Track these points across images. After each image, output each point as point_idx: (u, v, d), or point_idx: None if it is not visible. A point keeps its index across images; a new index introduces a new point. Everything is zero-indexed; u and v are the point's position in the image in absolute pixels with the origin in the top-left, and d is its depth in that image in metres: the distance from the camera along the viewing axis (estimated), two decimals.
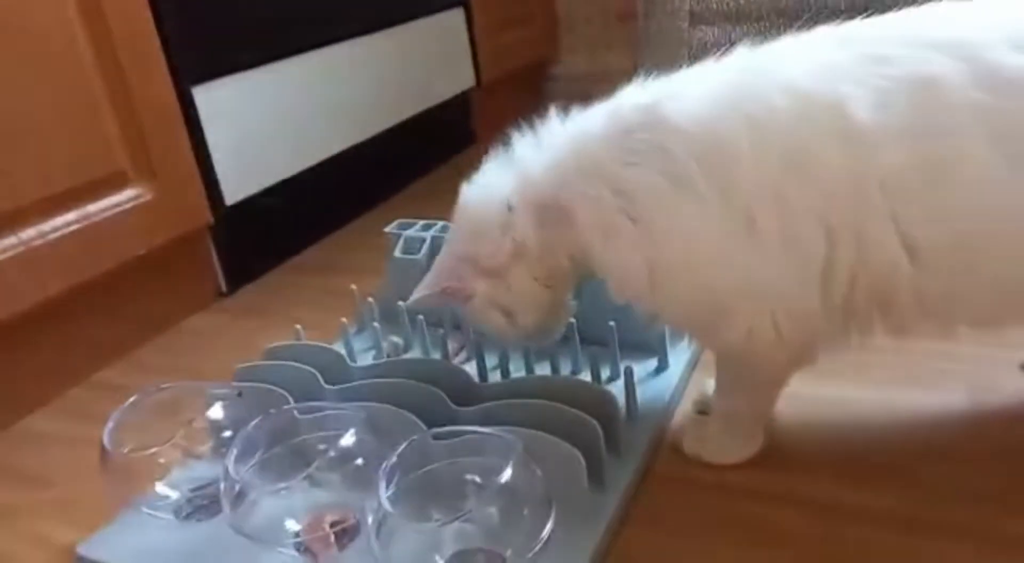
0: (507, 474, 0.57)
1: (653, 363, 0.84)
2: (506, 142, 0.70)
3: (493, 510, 0.58)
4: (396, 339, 0.95)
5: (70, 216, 0.97)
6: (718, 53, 0.65)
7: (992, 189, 0.56)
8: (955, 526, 0.62)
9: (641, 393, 0.77)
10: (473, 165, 0.72)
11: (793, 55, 0.61)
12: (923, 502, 0.65)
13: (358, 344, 0.95)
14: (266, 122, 1.27)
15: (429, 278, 0.72)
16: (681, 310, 0.65)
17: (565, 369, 0.84)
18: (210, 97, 1.15)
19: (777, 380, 0.68)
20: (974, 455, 0.69)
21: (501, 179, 0.69)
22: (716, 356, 0.70)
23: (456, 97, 1.76)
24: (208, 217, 1.16)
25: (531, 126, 0.68)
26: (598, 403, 0.70)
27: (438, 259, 0.72)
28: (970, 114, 0.55)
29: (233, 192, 1.20)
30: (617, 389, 0.76)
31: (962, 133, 0.55)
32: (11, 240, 0.91)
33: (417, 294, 0.72)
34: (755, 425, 0.71)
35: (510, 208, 0.67)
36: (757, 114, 0.59)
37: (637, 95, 0.65)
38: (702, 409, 0.78)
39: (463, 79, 1.78)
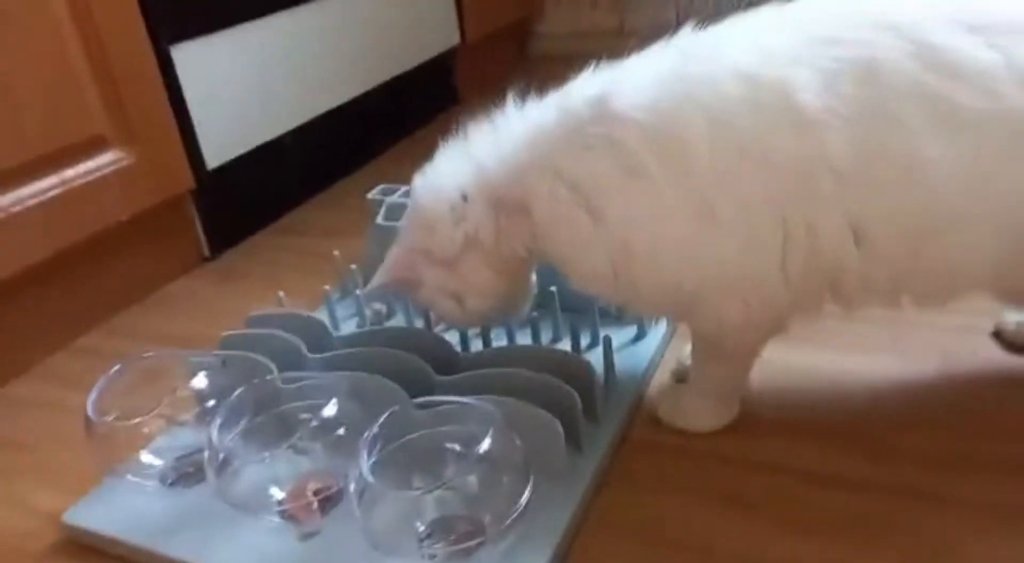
0: (486, 443, 0.58)
1: (632, 331, 0.85)
2: (463, 130, 0.70)
3: (472, 478, 0.59)
4: (379, 306, 0.95)
5: (49, 181, 0.96)
6: (705, 12, 0.64)
7: (935, 175, 0.56)
8: (925, 491, 0.64)
9: (619, 361, 0.78)
10: (457, 125, 0.71)
11: (740, 38, 0.61)
12: (893, 467, 0.67)
13: (341, 311, 0.95)
14: (247, 83, 1.25)
15: (382, 269, 0.73)
16: (649, 301, 0.67)
17: (545, 337, 0.85)
18: (189, 57, 1.13)
19: (749, 353, 0.70)
20: (946, 422, 0.71)
21: (455, 170, 0.69)
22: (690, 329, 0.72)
23: (440, 55, 1.74)
24: (190, 181, 1.15)
25: (489, 115, 0.69)
26: (576, 372, 0.71)
27: (392, 250, 0.73)
28: (915, 98, 0.55)
29: (215, 155, 1.19)
30: (596, 357, 0.77)
31: (907, 118, 0.55)
32: None
33: (371, 285, 0.74)
34: (730, 394, 0.72)
35: (465, 199, 0.68)
36: (709, 102, 0.59)
37: (587, 86, 0.64)
38: (680, 378, 0.79)
39: (447, 37, 1.76)
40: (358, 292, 0.94)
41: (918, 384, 0.76)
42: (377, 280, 0.74)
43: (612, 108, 0.61)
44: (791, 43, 0.58)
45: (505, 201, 0.66)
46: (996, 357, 0.78)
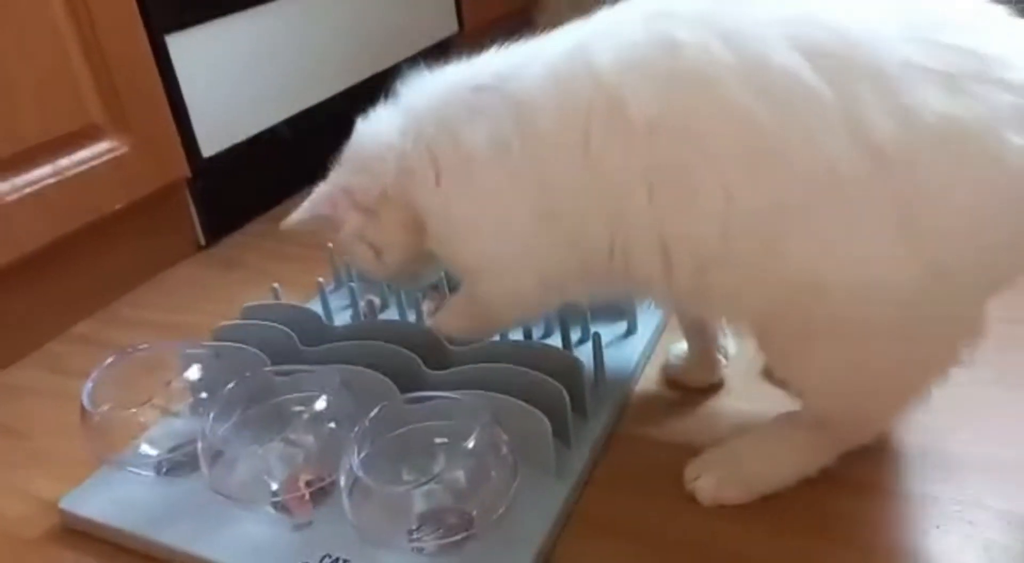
0: (475, 438, 0.60)
1: (623, 327, 0.86)
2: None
3: (461, 473, 0.60)
4: (373, 298, 0.96)
5: (44, 171, 0.96)
6: None
7: (730, 203, 0.54)
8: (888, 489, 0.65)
9: (609, 356, 0.79)
10: None
11: (612, 30, 0.60)
12: (876, 466, 0.68)
13: (335, 302, 0.96)
14: (243, 72, 1.25)
15: (308, 202, 0.73)
16: (471, 264, 0.69)
17: (536, 333, 0.86)
18: (184, 46, 1.13)
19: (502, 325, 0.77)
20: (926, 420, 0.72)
21: (391, 122, 0.70)
22: None
23: (438, 43, 1.73)
24: (185, 169, 1.15)
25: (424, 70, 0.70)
26: (565, 368, 0.72)
27: (321, 185, 0.73)
28: (729, 121, 0.53)
29: (210, 144, 1.19)
30: (587, 352, 0.78)
31: (714, 138, 0.54)
32: None
33: (294, 216, 0.73)
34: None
35: (391, 148, 0.69)
36: (565, 98, 0.59)
37: (494, 58, 0.66)
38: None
39: (445, 25, 1.75)
40: (351, 284, 0.94)
41: None
42: (301, 211, 0.73)
43: (503, 84, 0.62)
44: (642, 44, 0.56)
45: (405, 157, 0.68)
46: (980, 356, 0.79)
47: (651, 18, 0.57)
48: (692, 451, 0.69)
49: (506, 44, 0.66)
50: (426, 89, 0.68)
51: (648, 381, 0.82)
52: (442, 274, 0.87)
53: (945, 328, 0.56)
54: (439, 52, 1.74)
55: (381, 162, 0.69)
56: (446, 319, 0.77)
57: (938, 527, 0.62)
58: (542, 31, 0.65)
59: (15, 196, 0.93)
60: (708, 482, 0.65)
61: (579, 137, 0.58)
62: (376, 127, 0.70)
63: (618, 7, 0.61)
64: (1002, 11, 0.53)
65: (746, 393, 0.77)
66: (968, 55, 0.49)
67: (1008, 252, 0.53)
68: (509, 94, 0.62)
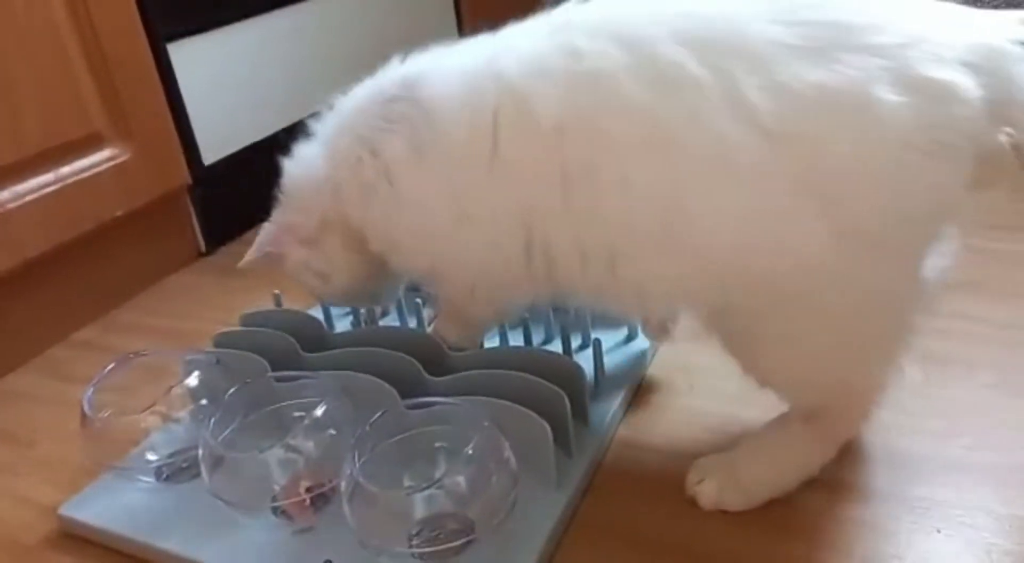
0: (475, 443, 0.60)
1: (623, 332, 0.86)
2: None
3: (461, 478, 0.60)
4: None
5: (46, 178, 0.97)
6: None
7: (636, 197, 0.56)
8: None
9: (609, 363, 0.80)
10: None
11: (518, 41, 0.63)
12: (878, 471, 0.68)
13: (335, 309, 0.96)
14: (244, 80, 1.25)
15: (256, 242, 0.78)
16: (421, 271, 0.73)
17: (537, 339, 0.86)
18: (186, 54, 1.14)
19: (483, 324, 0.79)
20: (928, 425, 0.72)
21: (314, 154, 0.73)
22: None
23: None
24: (186, 177, 1.16)
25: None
26: (566, 374, 0.72)
27: (266, 224, 0.78)
28: (626, 114, 0.55)
29: (211, 152, 1.20)
30: (587, 358, 0.79)
31: (618, 137, 0.56)
32: None
33: (247, 256, 0.79)
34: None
35: (324, 180, 0.72)
36: (474, 102, 0.61)
37: (403, 66, 0.68)
38: None
39: (445, 34, 1.76)
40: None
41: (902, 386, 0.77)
42: (251, 254, 0.78)
43: (417, 90, 0.65)
44: (548, 51, 0.59)
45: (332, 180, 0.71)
46: (981, 361, 0.79)
47: (554, 30, 0.60)
48: (693, 456, 0.69)
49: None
50: (341, 110, 0.72)
51: (649, 386, 0.82)
52: None
53: (882, 294, 0.56)
54: None
55: (314, 195, 0.72)
56: (441, 324, 0.79)
57: (940, 531, 0.61)
58: None
59: (17, 203, 0.93)
60: (709, 487, 0.65)
61: (488, 141, 0.61)
62: (302, 163, 0.74)
63: (523, 24, 0.64)
64: None
65: (748, 398, 0.77)
66: (833, 27, 0.52)
67: (916, 207, 0.53)
68: (418, 101, 0.64)
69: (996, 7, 0.55)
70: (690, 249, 0.56)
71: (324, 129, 0.73)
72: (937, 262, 0.60)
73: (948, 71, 0.50)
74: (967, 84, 0.50)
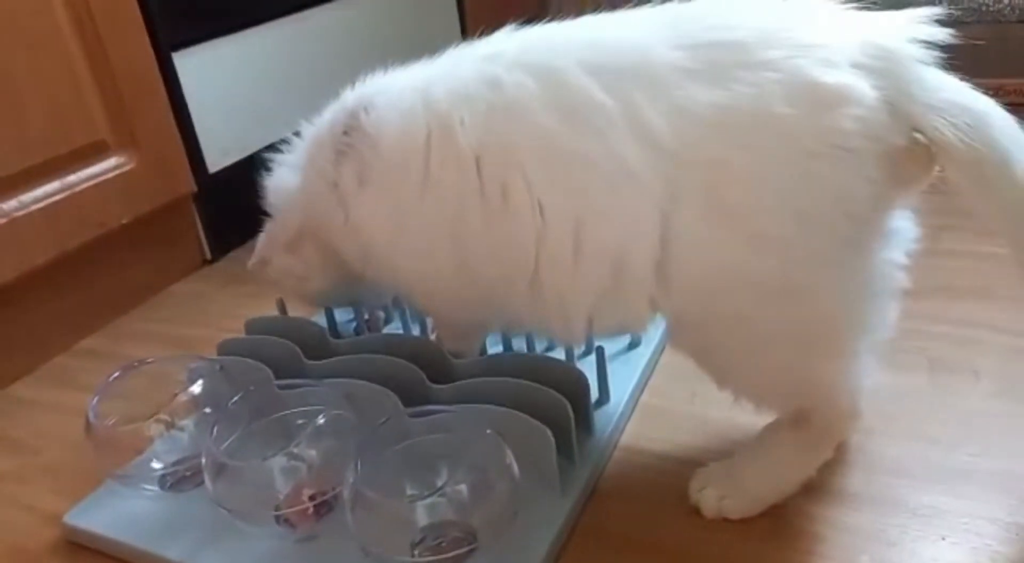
0: (477, 452, 0.60)
1: (625, 340, 0.86)
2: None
3: (464, 486, 0.60)
4: (378, 312, 0.97)
5: (52, 186, 0.97)
6: None
7: (546, 217, 0.60)
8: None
9: (613, 370, 0.79)
10: None
11: (450, 69, 0.66)
12: (883, 479, 0.67)
13: (340, 315, 0.96)
14: (249, 88, 1.26)
15: (256, 250, 0.84)
16: (386, 285, 0.77)
17: (540, 345, 0.86)
18: (191, 63, 1.15)
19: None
20: (933, 432, 0.72)
21: (286, 171, 0.79)
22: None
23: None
24: (191, 185, 1.16)
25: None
26: (569, 381, 0.72)
27: (261, 234, 0.84)
28: (537, 141, 0.59)
29: (216, 160, 1.20)
30: (590, 365, 0.78)
31: (526, 159, 0.60)
32: None
33: (251, 263, 0.84)
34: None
35: (296, 194, 0.77)
36: (410, 129, 0.65)
37: (353, 94, 0.72)
38: None
39: (449, 41, 1.76)
40: None
41: (908, 394, 0.77)
42: (252, 260, 0.84)
43: (359, 120, 0.68)
44: (472, 80, 0.63)
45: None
46: (987, 368, 0.79)
47: (480, 60, 0.64)
48: (696, 464, 0.69)
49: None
50: (306, 139, 0.77)
51: (652, 393, 0.82)
52: None
53: (817, 297, 0.57)
54: None
55: (290, 211, 0.79)
56: (441, 332, 0.82)
57: (944, 539, 0.61)
58: None
59: (23, 211, 0.94)
60: (711, 495, 0.65)
61: (420, 165, 0.64)
62: (278, 183, 0.80)
63: (458, 50, 0.68)
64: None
65: (749, 406, 0.77)
66: (730, 48, 0.55)
67: (827, 211, 0.54)
68: (364, 131, 0.68)
69: (890, 7, 0.56)
70: (603, 265, 0.59)
71: (295, 155, 0.79)
72: (899, 253, 0.61)
73: (839, 75, 0.52)
74: (859, 85, 0.52)
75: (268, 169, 0.81)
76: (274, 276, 0.83)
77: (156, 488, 0.72)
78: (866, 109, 0.52)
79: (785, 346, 0.59)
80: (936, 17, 0.54)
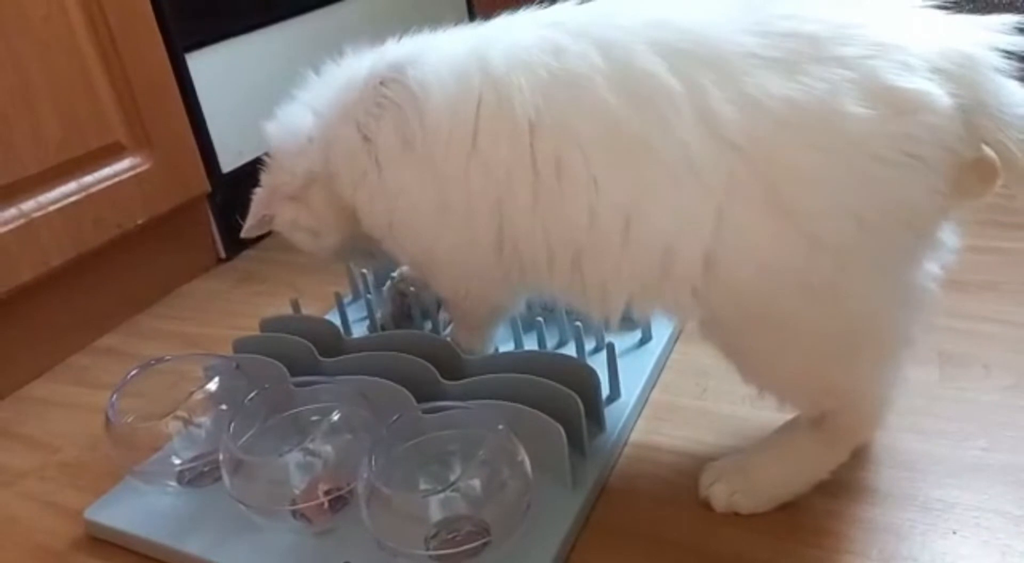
0: (489, 447, 0.60)
1: (637, 335, 0.87)
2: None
3: (476, 481, 0.61)
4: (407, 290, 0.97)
5: (69, 187, 0.99)
6: None
7: (599, 197, 0.58)
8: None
9: (623, 365, 0.80)
10: None
11: (507, 33, 0.64)
12: (892, 473, 0.68)
13: (353, 313, 0.97)
14: (261, 88, 1.27)
15: (251, 210, 0.81)
16: (409, 259, 0.75)
17: (551, 342, 0.87)
18: (204, 64, 1.16)
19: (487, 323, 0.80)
20: (944, 426, 0.72)
21: (299, 114, 0.75)
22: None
23: None
24: (205, 185, 1.17)
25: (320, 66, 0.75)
26: (580, 377, 0.72)
27: (257, 190, 0.81)
28: (598, 117, 0.57)
29: (229, 160, 1.21)
30: (601, 360, 0.79)
31: (585, 134, 0.58)
32: (11, 212, 0.93)
33: (246, 224, 0.82)
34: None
35: (310, 140, 0.74)
36: (460, 94, 0.63)
37: (398, 49, 0.70)
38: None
39: None
40: (368, 296, 0.96)
41: (917, 386, 0.77)
42: (248, 220, 0.82)
43: (406, 76, 0.66)
44: (534, 46, 0.60)
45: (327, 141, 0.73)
46: (998, 362, 0.79)
47: (542, 26, 0.62)
48: (707, 458, 0.69)
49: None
50: (332, 82, 0.73)
51: (663, 389, 0.82)
52: None
53: (860, 303, 0.56)
54: None
55: (299, 154, 0.74)
56: (454, 329, 0.81)
57: (955, 533, 0.61)
58: None
59: (41, 212, 0.95)
60: (722, 489, 0.66)
61: (468, 134, 0.62)
62: (285, 124, 0.76)
63: (515, 15, 0.65)
64: None
65: (760, 401, 0.77)
66: (804, 39, 0.52)
67: (887, 218, 0.53)
68: (408, 87, 0.66)
69: (974, 11, 0.54)
70: (652, 253, 0.57)
71: (312, 96, 0.75)
72: (936, 265, 0.60)
73: (916, 80, 0.50)
74: (936, 93, 0.50)
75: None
76: (282, 230, 0.80)
77: (174, 484, 0.73)
78: (941, 117, 0.50)
79: (820, 348, 0.59)
80: (1020, 25, 0.52)
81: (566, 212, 0.60)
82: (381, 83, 0.67)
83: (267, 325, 0.89)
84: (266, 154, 0.78)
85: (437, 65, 0.65)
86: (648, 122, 0.55)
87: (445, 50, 0.66)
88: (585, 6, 0.63)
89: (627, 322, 0.86)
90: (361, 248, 0.81)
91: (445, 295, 0.76)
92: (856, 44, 0.51)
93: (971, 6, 0.53)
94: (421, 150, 0.66)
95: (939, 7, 0.54)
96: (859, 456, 0.69)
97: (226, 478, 0.66)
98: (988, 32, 0.52)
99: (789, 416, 0.68)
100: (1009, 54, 0.51)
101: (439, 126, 0.64)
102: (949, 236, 0.59)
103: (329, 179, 0.73)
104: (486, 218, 0.64)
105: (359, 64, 0.72)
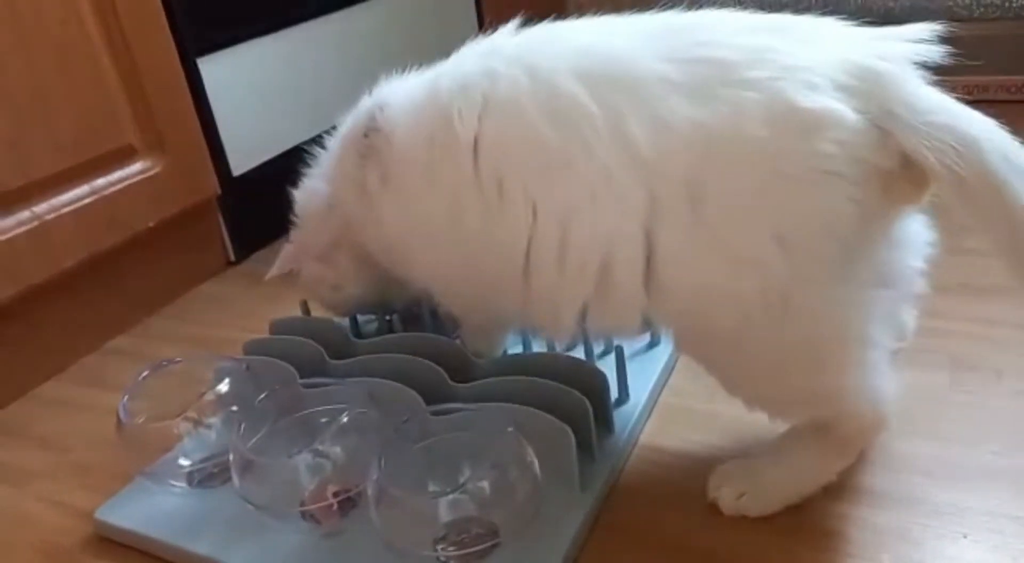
0: (498, 449, 0.60)
1: (645, 339, 0.87)
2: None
3: (485, 483, 0.61)
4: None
5: (82, 190, 0.99)
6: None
7: (543, 212, 0.60)
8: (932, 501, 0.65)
9: (632, 368, 0.80)
10: None
11: (455, 64, 0.67)
12: (903, 477, 0.67)
13: (362, 316, 0.97)
14: (271, 92, 1.28)
15: (279, 258, 0.86)
16: (421, 284, 0.76)
17: (559, 345, 0.87)
18: (215, 69, 1.17)
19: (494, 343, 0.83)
20: (955, 430, 0.72)
21: (316, 186, 0.81)
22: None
23: None
24: (216, 188, 1.18)
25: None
26: (589, 379, 0.72)
27: (286, 245, 0.86)
28: (528, 139, 0.59)
29: (240, 163, 1.22)
30: (610, 363, 0.79)
31: (518, 155, 0.60)
32: (25, 214, 0.94)
33: (272, 271, 0.87)
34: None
35: (330, 207, 0.79)
36: (419, 123, 0.66)
37: (370, 99, 0.73)
38: None
39: (469, 41, 1.77)
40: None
41: (927, 393, 0.77)
42: (274, 269, 0.87)
43: (375, 120, 0.70)
44: (474, 72, 0.63)
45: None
46: (1010, 366, 0.79)
47: (483, 54, 0.65)
48: (716, 462, 0.69)
49: None
50: (330, 150, 0.79)
51: (672, 392, 0.82)
52: None
53: (813, 312, 0.56)
54: None
55: (323, 222, 0.80)
56: (464, 333, 0.83)
57: (966, 537, 0.61)
58: None
59: (54, 214, 0.96)
60: (730, 493, 0.66)
61: (424, 157, 0.65)
62: (309, 195, 0.82)
63: (466, 46, 0.68)
64: (749, 16, 0.59)
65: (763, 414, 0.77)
66: (715, 65, 0.54)
67: (808, 232, 0.53)
68: (381, 131, 0.69)
69: (879, 23, 0.55)
70: (587, 272, 0.59)
71: (321, 167, 0.81)
72: (917, 260, 0.61)
73: (819, 99, 0.51)
74: (839, 109, 0.51)
75: (296, 181, 0.83)
76: (306, 285, 0.85)
77: (184, 485, 0.73)
78: (848, 132, 0.51)
79: (785, 363, 0.59)
80: (934, 33, 0.54)
81: (510, 229, 0.62)
82: (364, 135, 0.71)
83: (277, 327, 0.90)
84: (295, 214, 0.84)
85: (401, 103, 0.69)
86: (572, 144, 0.58)
87: (407, 88, 0.70)
88: (522, 35, 0.66)
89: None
90: (376, 298, 0.86)
91: (453, 309, 0.78)
92: (765, 67, 0.53)
93: (888, 17, 0.54)
94: (395, 182, 0.69)
95: (860, 23, 0.56)
96: (869, 460, 0.69)
97: (235, 479, 0.66)
98: (899, 43, 0.54)
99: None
100: (923, 64, 0.53)
101: (403, 155, 0.68)
102: (918, 229, 0.60)
103: (348, 232, 0.77)
104: (449, 238, 0.66)
105: (342, 128, 0.77)
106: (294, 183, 0.81)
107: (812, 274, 0.55)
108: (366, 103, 0.74)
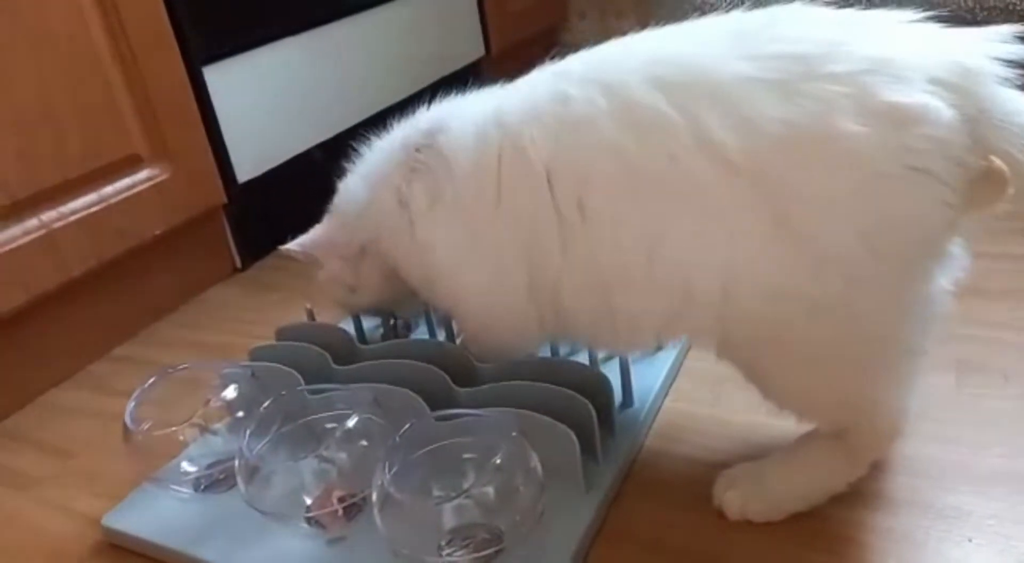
0: (502, 454, 0.61)
1: None
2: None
3: (489, 489, 0.61)
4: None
5: (89, 198, 1.00)
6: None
7: (618, 234, 0.59)
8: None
9: (636, 373, 0.80)
10: None
11: (521, 88, 0.68)
12: (909, 480, 0.67)
13: (367, 322, 0.98)
14: (277, 99, 1.28)
15: (306, 238, 0.84)
16: (444, 307, 0.77)
17: (564, 349, 0.87)
18: (221, 77, 1.17)
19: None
20: (961, 434, 0.71)
21: (357, 184, 0.79)
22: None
23: (465, 67, 1.76)
24: (221, 195, 1.19)
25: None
26: (593, 384, 0.73)
27: (317, 226, 0.84)
28: (607, 156, 0.58)
29: (245, 170, 1.23)
30: (615, 368, 0.79)
31: (597, 173, 0.59)
32: (33, 222, 0.94)
33: (292, 245, 0.85)
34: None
35: (366, 211, 0.77)
36: (482, 149, 0.65)
37: (428, 113, 0.74)
38: None
39: (473, 50, 1.78)
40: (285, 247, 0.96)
41: (935, 393, 0.77)
42: (296, 245, 0.84)
43: (435, 140, 0.70)
44: (543, 98, 0.63)
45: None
46: (1016, 370, 0.78)
47: (551, 78, 0.65)
48: (720, 466, 0.69)
49: (532, 67, 0.70)
50: (379, 152, 0.77)
51: (676, 396, 0.82)
52: None
53: (873, 318, 0.56)
54: (467, 75, 1.78)
55: (356, 226, 0.79)
56: (468, 339, 0.83)
57: (971, 541, 0.61)
58: (569, 53, 0.68)
59: (62, 223, 0.97)
60: (736, 497, 0.66)
61: (493, 184, 0.65)
62: (348, 194, 0.80)
63: (531, 73, 0.68)
64: (821, 10, 0.58)
65: (773, 409, 0.77)
66: (795, 60, 0.53)
67: (894, 234, 0.53)
68: (438, 150, 0.69)
69: (967, 24, 0.54)
70: (675, 284, 0.58)
71: (366, 168, 0.79)
72: (948, 276, 0.60)
73: (912, 93, 0.50)
74: (935, 104, 0.50)
75: (301, 189, 0.82)
76: (322, 280, 0.84)
77: (190, 491, 0.74)
78: (943, 129, 0.50)
79: (836, 365, 0.59)
80: (1018, 34, 0.52)
81: (593, 251, 0.61)
82: (416, 150, 0.71)
83: (282, 334, 0.90)
84: (332, 204, 0.83)
85: (462, 127, 0.68)
86: (654, 155, 0.56)
87: (468, 112, 0.69)
88: (588, 53, 0.65)
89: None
90: (385, 307, 0.87)
91: (477, 338, 0.78)
92: (847, 61, 0.52)
93: (963, 21, 0.53)
94: (449, 206, 0.68)
95: (934, 21, 0.55)
96: (875, 464, 0.69)
97: (241, 485, 0.67)
98: (985, 42, 0.52)
99: (801, 425, 0.68)
100: (1009, 63, 0.51)
101: (467, 184, 0.67)
102: (959, 250, 0.59)
103: (378, 242, 0.76)
104: (517, 267, 0.65)
105: (395, 135, 0.76)
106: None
107: (889, 279, 0.54)
108: (423, 117, 0.73)
